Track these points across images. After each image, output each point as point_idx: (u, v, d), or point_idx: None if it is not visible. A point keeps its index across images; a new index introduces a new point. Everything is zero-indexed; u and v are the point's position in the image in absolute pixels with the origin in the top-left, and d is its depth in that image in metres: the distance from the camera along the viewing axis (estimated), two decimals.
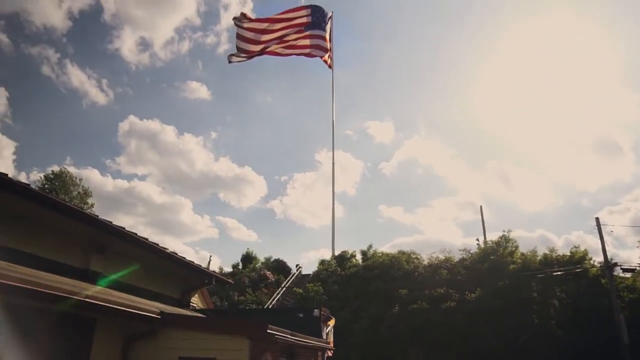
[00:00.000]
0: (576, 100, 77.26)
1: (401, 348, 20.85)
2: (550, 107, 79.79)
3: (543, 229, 62.75)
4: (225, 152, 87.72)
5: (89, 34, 76.78)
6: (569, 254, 22.83)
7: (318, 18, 30.62)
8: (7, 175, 6.36)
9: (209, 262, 39.20)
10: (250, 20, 29.70)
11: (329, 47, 31.01)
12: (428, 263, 25.13)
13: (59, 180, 36.00)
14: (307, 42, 30.16)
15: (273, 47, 29.31)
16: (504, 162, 76.71)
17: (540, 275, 21.14)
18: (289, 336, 8.29)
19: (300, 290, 25.96)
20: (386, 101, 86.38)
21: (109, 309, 6.33)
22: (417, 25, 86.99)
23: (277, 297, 28.30)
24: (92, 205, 37.49)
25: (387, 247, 50.34)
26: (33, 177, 59.76)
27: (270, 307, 26.08)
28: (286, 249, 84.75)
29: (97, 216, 8.46)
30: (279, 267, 36.28)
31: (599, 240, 21.00)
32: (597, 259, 22.14)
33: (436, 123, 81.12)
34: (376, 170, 79.49)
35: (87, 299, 5.86)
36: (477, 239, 26.30)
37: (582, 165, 72.72)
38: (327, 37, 31.08)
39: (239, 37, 28.87)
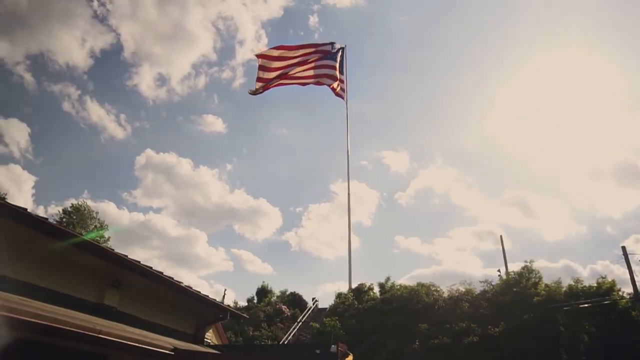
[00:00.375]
0: (594, 127, 76.63)
1: None
2: (568, 134, 79.20)
3: (566, 259, 61.35)
4: (240, 184, 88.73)
5: (109, 71, 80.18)
6: (595, 284, 21.89)
7: (329, 51, 31.87)
8: (26, 209, 6.50)
9: (224, 296, 38.77)
10: (265, 55, 30.63)
11: (337, 76, 31.76)
12: (448, 295, 24.33)
13: (78, 214, 36.53)
14: (315, 72, 31.18)
15: (284, 79, 30.23)
16: (523, 191, 75.61)
17: (566, 308, 20.27)
18: None
19: (317, 325, 25.33)
20: (401, 131, 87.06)
21: (123, 345, 6.26)
22: (431, 57, 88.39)
23: (293, 332, 27.70)
24: (109, 239, 37.81)
25: (405, 279, 49.40)
26: (51, 211, 61.09)
27: (286, 342, 25.54)
28: (302, 281, 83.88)
29: (113, 250, 8.45)
30: (295, 301, 35.67)
31: (627, 270, 20.16)
32: (626, 289, 21.27)
33: (452, 152, 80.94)
34: (392, 200, 79.08)
35: (100, 335, 5.79)
36: (499, 270, 25.64)
37: (604, 191, 71.26)
38: (337, 66, 31.92)
39: (260, 68, 29.80)
